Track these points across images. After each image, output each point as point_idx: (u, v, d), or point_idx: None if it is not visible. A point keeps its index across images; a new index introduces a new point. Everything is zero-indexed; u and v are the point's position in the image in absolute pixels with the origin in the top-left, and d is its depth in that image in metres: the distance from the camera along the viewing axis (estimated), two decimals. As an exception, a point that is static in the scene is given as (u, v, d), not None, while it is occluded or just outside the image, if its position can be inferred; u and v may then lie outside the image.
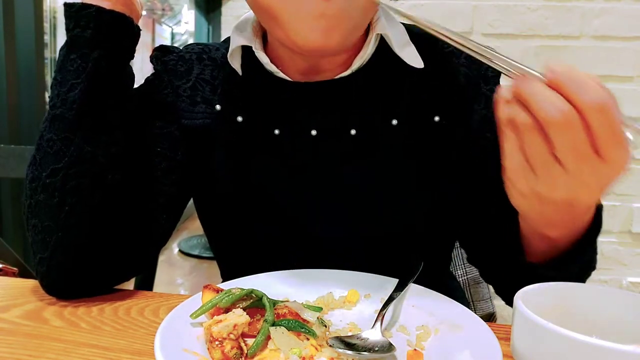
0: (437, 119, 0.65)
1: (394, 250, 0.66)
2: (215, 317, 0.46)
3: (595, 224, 0.52)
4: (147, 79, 0.71)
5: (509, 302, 0.63)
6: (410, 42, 0.66)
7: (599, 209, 0.52)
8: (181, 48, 0.73)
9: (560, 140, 0.39)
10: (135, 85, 0.67)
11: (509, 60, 0.41)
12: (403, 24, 0.63)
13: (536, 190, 0.43)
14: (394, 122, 0.64)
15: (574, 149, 0.39)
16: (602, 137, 0.38)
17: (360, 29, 0.60)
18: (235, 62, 0.67)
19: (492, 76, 0.68)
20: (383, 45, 0.65)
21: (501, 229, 0.58)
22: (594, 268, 0.58)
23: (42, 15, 2.09)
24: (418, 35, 0.68)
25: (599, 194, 0.43)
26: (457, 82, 0.66)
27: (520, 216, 0.53)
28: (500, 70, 0.42)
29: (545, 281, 0.47)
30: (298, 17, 0.55)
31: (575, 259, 0.53)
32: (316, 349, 0.46)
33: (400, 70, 0.65)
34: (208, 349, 0.45)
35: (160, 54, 0.71)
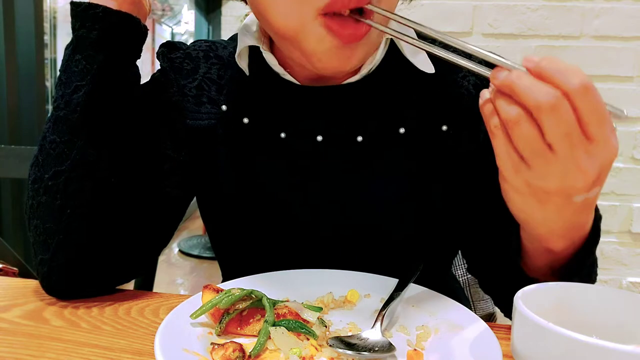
0: (444, 128, 0.64)
1: (397, 253, 0.66)
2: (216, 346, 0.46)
3: (593, 234, 0.52)
4: (153, 76, 0.70)
5: (508, 313, 0.63)
6: None
7: (597, 220, 0.52)
8: (188, 45, 0.72)
9: (550, 125, 0.39)
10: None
11: (487, 53, 0.42)
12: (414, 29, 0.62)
13: (532, 183, 0.43)
14: (402, 130, 0.63)
15: (565, 132, 0.39)
16: (589, 118, 0.39)
17: (377, 46, 0.61)
18: (243, 63, 0.66)
19: None
20: (393, 49, 0.64)
21: (503, 243, 0.58)
22: (594, 281, 0.57)
23: (42, 15, 2.09)
24: (429, 41, 0.68)
25: (594, 180, 0.42)
26: (465, 91, 0.65)
27: (523, 230, 0.53)
28: (477, 64, 0.43)
29: None
30: (321, 48, 0.53)
31: (575, 271, 0.53)
32: (316, 349, 0.46)
33: (409, 77, 0.64)
34: (210, 351, 0.45)
35: (167, 51, 0.70)
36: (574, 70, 0.39)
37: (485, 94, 0.43)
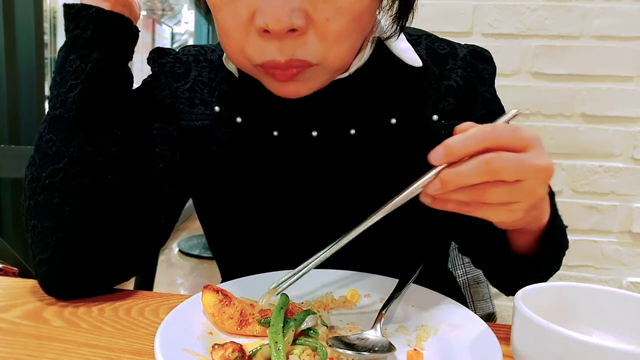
0: (435, 118, 0.65)
1: (394, 249, 0.66)
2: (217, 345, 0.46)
3: (552, 213, 0.57)
4: (144, 81, 0.71)
5: (501, 288, 0.69)
6: (408, 43, 0.66)
7: (551, 197, 0.57)
8: (177, 50, 0.73)
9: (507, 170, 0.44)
10: (135, 86, 0.67)
11: (409, 190, 0.50)
12: (400, 26, 0.63)
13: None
14: (393, 121, 0.65)
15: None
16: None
17: (329, 77, 0.60)
18: (231, 65, 0.67)
19: (487, 77, 0.69)
20: (381, 46, 0.66)
21: (487, 227, 0.60)
22: (566, 247, 0.64)
23: (42, 15, 2.09)
24: (415, 37, 0.69)
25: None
26: (454, 82, 0.66)
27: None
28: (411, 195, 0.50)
29: (527, 267, 0.50)
30: (268, 83, 0.58)
31: (549, 240, 0.58)
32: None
33: (398, 70, 0.66)
34: (210, 351, 0.45)
35: (157, 56, 0.71)
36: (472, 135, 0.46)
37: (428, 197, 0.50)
